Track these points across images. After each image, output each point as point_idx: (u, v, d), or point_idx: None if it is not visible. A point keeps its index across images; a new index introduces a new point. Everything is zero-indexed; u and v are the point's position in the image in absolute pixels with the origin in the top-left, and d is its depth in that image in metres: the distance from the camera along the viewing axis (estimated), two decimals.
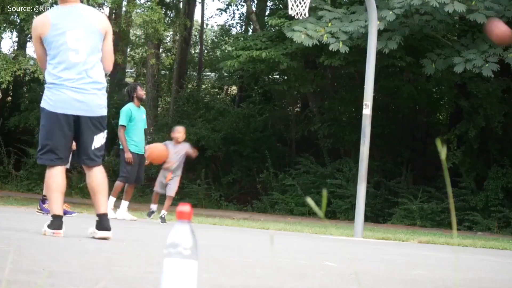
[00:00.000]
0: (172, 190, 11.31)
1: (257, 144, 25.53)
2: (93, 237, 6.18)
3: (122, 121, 11.71)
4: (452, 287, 4.54)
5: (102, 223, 6.17)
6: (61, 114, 6.13)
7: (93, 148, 6.23)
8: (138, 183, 12.30)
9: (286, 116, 27.53)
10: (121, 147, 11.92)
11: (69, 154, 6.37)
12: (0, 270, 3.26)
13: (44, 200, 11.14)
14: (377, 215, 21.74)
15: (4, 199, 17.12)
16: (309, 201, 2.20)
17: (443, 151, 2.17)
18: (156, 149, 11.24)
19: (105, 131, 6.36)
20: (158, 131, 26.67)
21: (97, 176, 6.25)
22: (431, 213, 21.03)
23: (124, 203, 11.93)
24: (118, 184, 11.90)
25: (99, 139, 6.27)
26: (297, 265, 5.27)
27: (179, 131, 11.53)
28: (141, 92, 11.93)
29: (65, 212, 10.87)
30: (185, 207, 2.41)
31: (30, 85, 29.79)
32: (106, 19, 6.44)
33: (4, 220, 8.51)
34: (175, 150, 11.38)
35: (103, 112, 6.28)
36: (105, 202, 6.22)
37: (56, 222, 6.09)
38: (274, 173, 24.23)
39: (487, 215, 20.56)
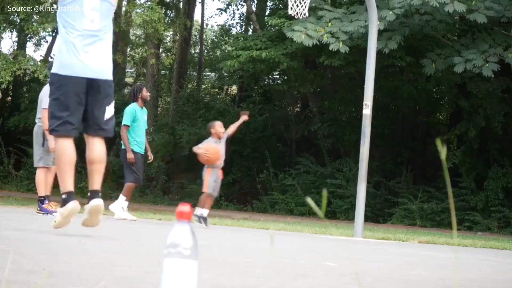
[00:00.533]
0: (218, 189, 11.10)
1: (257, 144, 25.53)
2: (86, 210, 6.13)
3: (126, 120, 11.63)
4: (452, 287, 4.54)
5: (93, 195, 6.14)
6: (75, 77, 6.17)
7: (105, 118, 6.29)
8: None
9: (286, 116, 27.54)
10: (122, 147, 11.84)
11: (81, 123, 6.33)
12: (0, 270, 3.26)
13: (42, 200, 11.11)
14: (377, 215, 21.75)
15: (4, 199, 17.12)
16: (309, 201, 2.20)
17: (443, 151, 2.16)
18: (213, 149, 10.81)
19: (113, 102, 6.44)
20: (158, 131, 26.69)
21: (100, 148, 6.29)
22: (431, 213, 21.03)
23: (124, 203, 11.92)
24: (129, 185, 11.78)
25: (110, 110, 6.35)
26: (297, 265, 5.27)
27: (221, 126, 11.18)
28: (146, 93, 11.92)
29: (47, 211, 10.89)
30: (185, 207, 2.41)
31: (30, 85, 29.80)
32: None
33: (4, 220, 8.51)
34: (220, 147, 11.00)
35: (111, 75, 6.38)
36: (100, 180, 6.21)
37: (72, 197, 6.06)
38: (274, 173, 24.23)
39: (487, 215, 20.56)
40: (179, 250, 2.38)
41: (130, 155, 11.54)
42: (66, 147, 6.16)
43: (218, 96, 31.04)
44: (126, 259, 4.72)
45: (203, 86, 32.04)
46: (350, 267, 5.21)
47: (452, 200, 2.29)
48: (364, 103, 11.82)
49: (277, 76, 27.67)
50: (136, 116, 11.66)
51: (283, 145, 26.46)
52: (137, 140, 11.67)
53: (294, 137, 25.91)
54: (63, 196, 6.09)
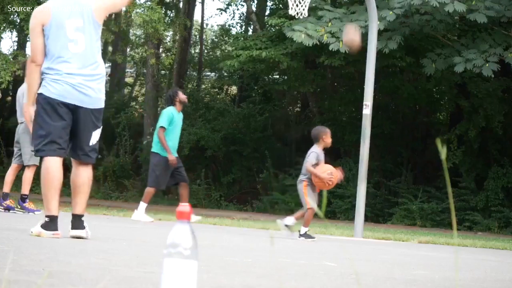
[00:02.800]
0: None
1: (257, 144, 25.53)
2: (70, 235, 6.08)
3: (163, 122, 11.41)
4: (452, 287, 4.54)
5: (77, 223, 6.04)
6: (61, 102, 6.00)
7: (90, 144, 6.12)
8: (185, 182, 11.80)
9: (286, 116, 27.53)
10: (153, 150, 11.59)
11: (67, 146, 6.17)
12: (0, 270, 3.26)
13: (24, 199, 11.13)
14: (377, 215, 21.74)
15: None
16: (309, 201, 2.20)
17: (443, 151, 2.16)
18: (335, 172, 9.42)
19: (101, 128, 6.23)
20: None
21: (85, 175, 6.15)
22: (431, 213, 21.02)
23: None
24: (149, 190, 11.61)
25: (96, 135, 6.16)
26: (297, 265, 5.27)
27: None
28: (183, 96, 11.66)
29: (28, 210, 10.91)
30: (185, 207, 2.41)
31: None
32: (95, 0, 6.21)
33: (4, 220, 8.51)
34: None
35: (102, 104, 6.18)
36: (83, 204, 6.09)
37: (54, 223, 5.96)
38: (274, 173, 24.23)
39: (487, 215, 20.56)
40: (179, 250, 2.38)
41: (171, 157, 11.30)
42: (53, 168, 6.01)
43: (218, 96, 31.02)
44: (126, 259, 4.72)
45: (203, 86, 32.03)
46: (350, 267, 5.21)
47: (452, 200, 2.29)
48: (364, 103, 11.82)
49: (277, 76, 27.65)
50: (173, 119, 11.48)
51: (283, 145, 26.45)
52: (169, 144, 11.44)
53: (294, 137, 25.90)
54: (46, 219, 5.99)
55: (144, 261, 4.65)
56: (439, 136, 22.80)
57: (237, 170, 25.44)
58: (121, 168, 26.08)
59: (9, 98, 31.36)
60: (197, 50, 33.89)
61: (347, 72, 24.02)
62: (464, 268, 6.36)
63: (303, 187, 9.60)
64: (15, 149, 11.29)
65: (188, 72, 31.34)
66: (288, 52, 21.47)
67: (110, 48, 32.33)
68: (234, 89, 31.58)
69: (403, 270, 5.71)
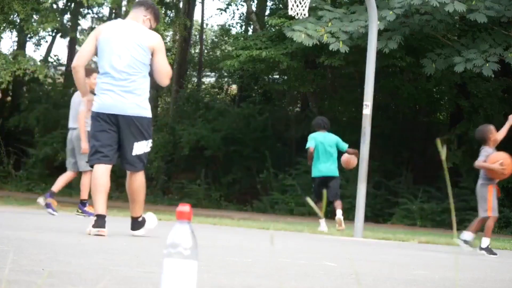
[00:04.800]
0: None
1: (257, 144, 25.52)
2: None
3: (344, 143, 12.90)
4: (452, 287, 4.54)
5: (133, 224, 6.93)
6: (103, 114, 6.54)
7: (133, 154, 6.62)
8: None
9: (286, 116, 27.53)
10: (337, 174, 13.33)
11: (114, 154, 6.67)
12: (0, 270, 3.26)
13: (84, 203, 11.18)
14: (377, 215, 21.74)
15: (4, 199, 17.11)
16: (309, 201, 2.20)
17: (443, 151, 2.16)
18: (507, 160, 9.38)
19: (149, 140, 6.68)
20: (158, 131, 26.68)
21: (134, 181, 6.74)
22: (431, 213, 21.03)
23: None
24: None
25: (141, 146, 6.63)
26: (297, 265, 5.26)
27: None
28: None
29: (89, 214, 10.94)
30: (185, 207, 2.41)
31: (30, 85, 29.78)
32: (157, 38, 6.69)
33: (4, 220, 8.50)
34: None
35: (142, 113, 6.59)
36: (137, 208, 6.79)
37: (101, 221, 6.52)
38: (274, 173, 24.22)
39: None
40: (179, 250, 2.38)
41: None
42: (97, 174, 6.64)
43: (218, 96, 31.03)
44: (126, 259, 4.72)
45: (203, 86, 32.03)
46: (350, 267, 5.21)
47: (452, 200, 2.29)
48: (364, 103, 11.82)
49: (277, 76, 27.65)
50: None
51: (283, 145, 26.45)
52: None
53: (294, 137, 25.90)
54: (94, 218, 6.60)
55: (144, 261, 4.65)
56: (439, 136, 22.81)
57: (237, 170, 25.43)
58: (119, 167, 26.09)
59: (9, 98, 31.34)
60: (197, 50, 33.90)
61: (347, 72, 24.03)
62: (464, 268, 6.36)
63: (487, 191, 9.51)
64: (70, 158, 11.28)
65: (188, 72, 31.34)
66: (288, 52, 21.48)
67: None
68: (234, 89, 31.58)
69: (403, 270, 5.71)
